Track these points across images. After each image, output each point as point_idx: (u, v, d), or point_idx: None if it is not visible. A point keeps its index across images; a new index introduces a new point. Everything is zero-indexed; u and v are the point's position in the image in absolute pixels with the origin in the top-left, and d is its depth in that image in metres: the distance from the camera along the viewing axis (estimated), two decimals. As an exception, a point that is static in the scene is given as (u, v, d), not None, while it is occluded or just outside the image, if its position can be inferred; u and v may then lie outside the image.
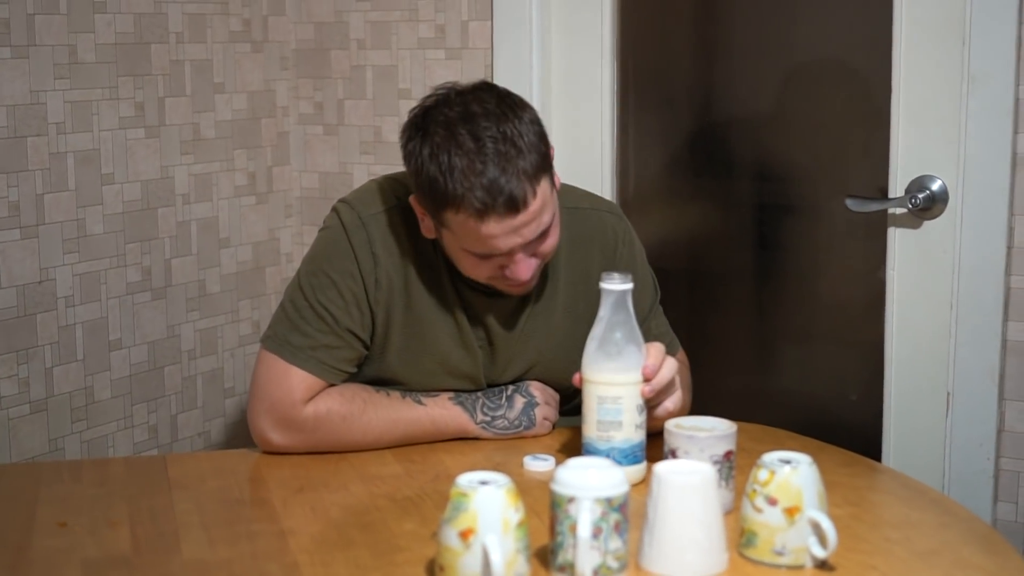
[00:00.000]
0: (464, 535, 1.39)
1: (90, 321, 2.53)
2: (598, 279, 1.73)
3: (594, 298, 1.73)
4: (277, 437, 1.92)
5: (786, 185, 2.62)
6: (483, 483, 1.42)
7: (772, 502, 1.48)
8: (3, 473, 2.04)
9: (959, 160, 2.31)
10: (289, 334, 1.93)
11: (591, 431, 1.71)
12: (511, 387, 2.00)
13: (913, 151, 2.38)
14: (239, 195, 2.85)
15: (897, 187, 2.40)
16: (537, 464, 1.83)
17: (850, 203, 2.42)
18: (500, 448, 1.93)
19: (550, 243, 1.87)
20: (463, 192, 1.76)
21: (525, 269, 1.85)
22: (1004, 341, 2.32)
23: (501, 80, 2.56)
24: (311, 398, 1.91)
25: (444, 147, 1.78)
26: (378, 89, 2.85)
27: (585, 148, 2.70)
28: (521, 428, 1.96)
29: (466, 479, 1.43)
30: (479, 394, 1.98)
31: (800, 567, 1.48)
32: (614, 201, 2.68)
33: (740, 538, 1.52)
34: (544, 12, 2.68)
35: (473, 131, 1.78)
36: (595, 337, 1.71)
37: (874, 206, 2.42)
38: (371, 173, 2.85)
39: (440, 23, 2.76)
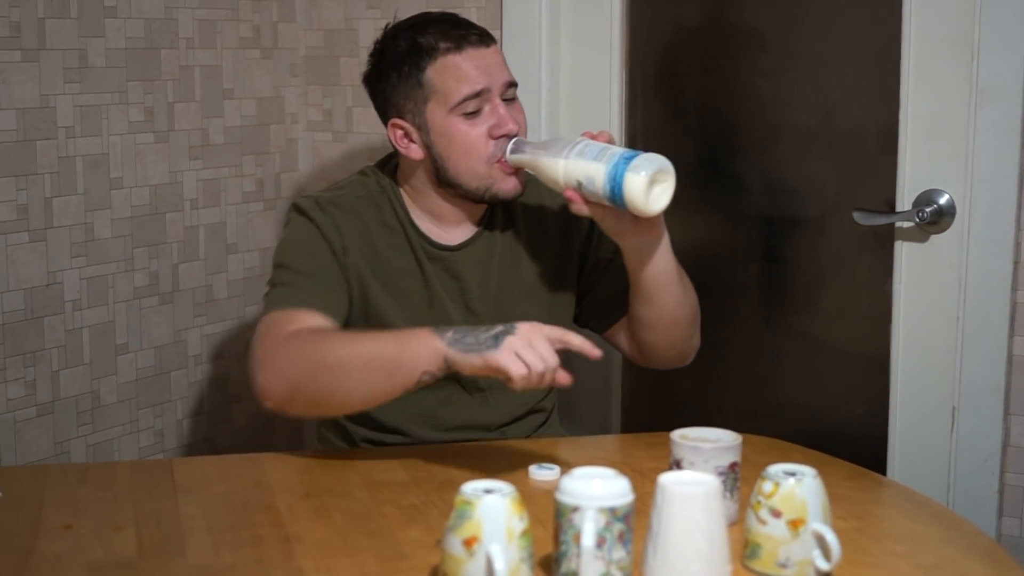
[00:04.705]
0: (468, 543, 1.40)
1: (97, 325, 2.53)
2: (555, 224, 2.11)
3: (554, 242, 2.07)
4: (261, 377, 1.88)
5: (793, 198, 2.62)
6: (488, 491, 1.42)
7: (776, 514, 1.48)
8: (9, 475, 2.04)
9: (967, 174, 2.31)
10: (274, 299, 1.99)
11: (602, 169, 1.86)
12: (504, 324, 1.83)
13: (921, 165, 2.38)
14: (247, 201, 2.85)
15: (904, 201, 2.40)
16: (542, 473, 1.83)
17: (857, 216, 2.42)
18: (505, 456, 1.93)
19: (521, 115, 2.06)
20: (439, 37, 2.00)
21: (509, 117, 2.01)
22: (1010, 356, 2.31)
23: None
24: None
25: (404, 34, 2.04)
26: (387, 97, 2.86)
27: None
28: (483, 349, 1.73)
29: (471, 487, 1.43)
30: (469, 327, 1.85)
31: (804, 579, 1.48)
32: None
33: (744, 550, 1.52)
34: (553, 21, 2.68)
35: (421, 14, 2.10)
36: (542, 160, 1.92)
37: (881, 220, 2.42)
38: (379, 180, 2.85)
39: (450, 32, 2.77)
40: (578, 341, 1.75)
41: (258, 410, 2.92)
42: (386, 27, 2.11)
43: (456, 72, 1.99)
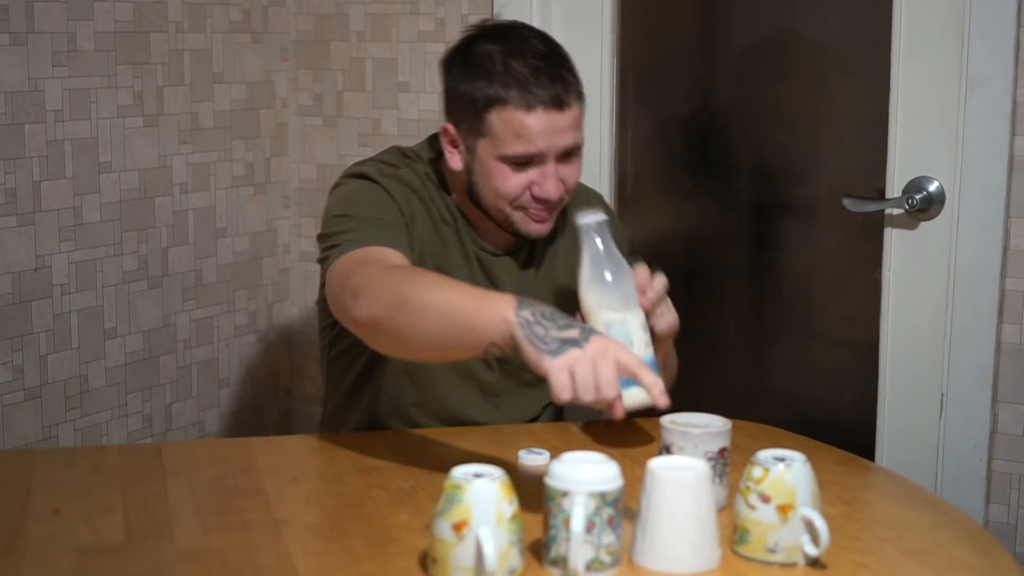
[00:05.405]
0: (457, 527, 1.39)
1: (86, 309, 2.52)
2: None
3: None
4: (357, 305, 1.77)
5: (784, 184, 2.62)
6: (477, 476, 1.42)
7: (765, 499, 1.48)
8: (-3, 459, 2.04)
9: (956, 162, 2.31)
10: (354, 240, 1.89)
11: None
12: (586, 327, 1.65)
13: (911, 152, 2.38)
14: (237, 185, 2.84)
15: (894, 188, 2.40)
16: (532, 458, 1.83)
17: (847, 203, 2.42)
18: (495, 441, 1.93)
19: (575, 173, 1.98)
20: (515, 84, 1.89)
21: (554, 187, 1.93)
22: (998, 343, 2.32)
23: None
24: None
25: (496, 51, 1.92)
26: (377, 82, 2.85)
27: (584, 143, 2.69)
28: (542, 348, 1.58)
29: (460, 471, 1.43)
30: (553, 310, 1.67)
31: (792, 565, 1.48)
32: (612, 195, 2.69)
33: (733, 535, 1.52)
34: (544, 6, 2.67)
35: (522, 37, 1.96)
36: (587, 272, 1.78)
37: (871, 206, 2.42)
38: (369, 165, 2.85)
39: (440, 16, 2.76)
40: (650, 380, 1.57)
41: (247, 394, 2.93)
42: (485, 21, 2.01)
43: (518, 129, 1.90)
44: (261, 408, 2.97)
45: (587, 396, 1.55)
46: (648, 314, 1.81)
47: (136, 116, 2.59)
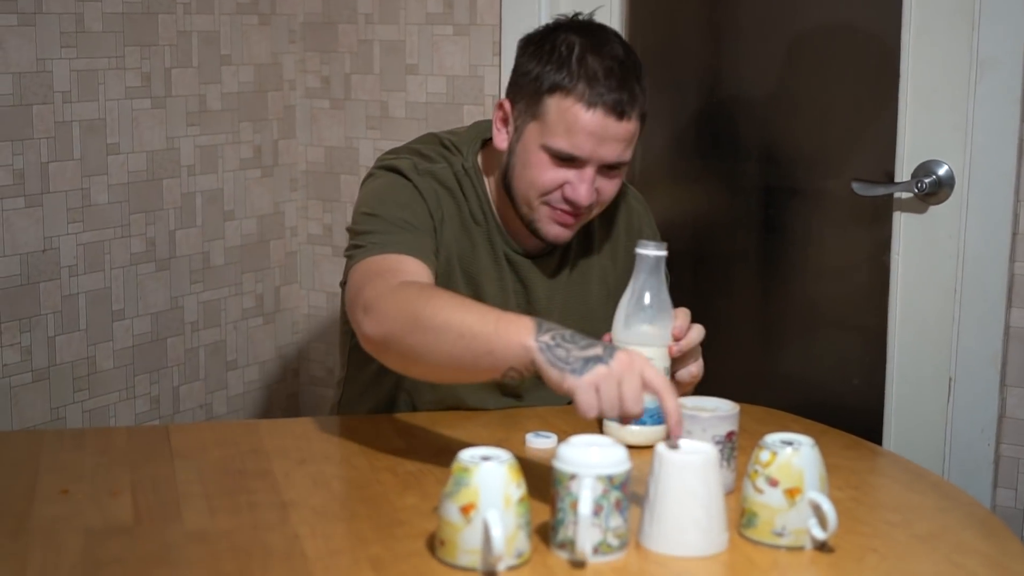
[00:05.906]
0: (465, 510, 1.39)
1: (93, 291, 2.53)
2: (625, 258, 1.82)
3: (622, 275, 1.79)
4: (367, 320, 1.75)
5: (792, 168, 2.61)
6: (485, 459, 1.42)
7: (773, 483, 1.48)
8: (5, 440, 2.04)
9: (966, 146, 2.31)
10: (377, 244, 1.88)
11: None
12: (607, 344, 1.64)
13: (920, 136, 2.38)
14: (244, 168, 2.84)
15: (903, 171, 2.40)
16: (539, 441, 1.83)
17: (856, 187, 2.42)
18: (503, 424, 1.93)
19: (612, 188, 1.94)
20: (584, 78, 1.85)
21: (587, 193, 1.89)
22: (1007, 327, 2.32)
23: (509, 58, 2.55)
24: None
25: (576, 42, 1.89)
26: (385, 64, 2.85)
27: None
28: (567, 368, 1.56)
29: (468, 454, 1.43)
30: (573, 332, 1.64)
31: (800, 548, 1.48)
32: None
33: (740, 518, 1.52)
34: (553, -11, 2.67)
35: (605, 38, 1.93)
36: (627, 300, 1.75)
37: (880, 190, 2.41)
38: (377, 148, 2.85)
39: (449, -1, 2.76)
40: (672, 405, 1.52)
41: (254, 377, 2.94)
42: (576, 15, 1.98)
43: (571, 123, 1.86)
44: (268, 390, 2.97)
45: (612, 412, 1.55)
46: (673, 360, 1.80)
47: (144, 98, 2.59)
